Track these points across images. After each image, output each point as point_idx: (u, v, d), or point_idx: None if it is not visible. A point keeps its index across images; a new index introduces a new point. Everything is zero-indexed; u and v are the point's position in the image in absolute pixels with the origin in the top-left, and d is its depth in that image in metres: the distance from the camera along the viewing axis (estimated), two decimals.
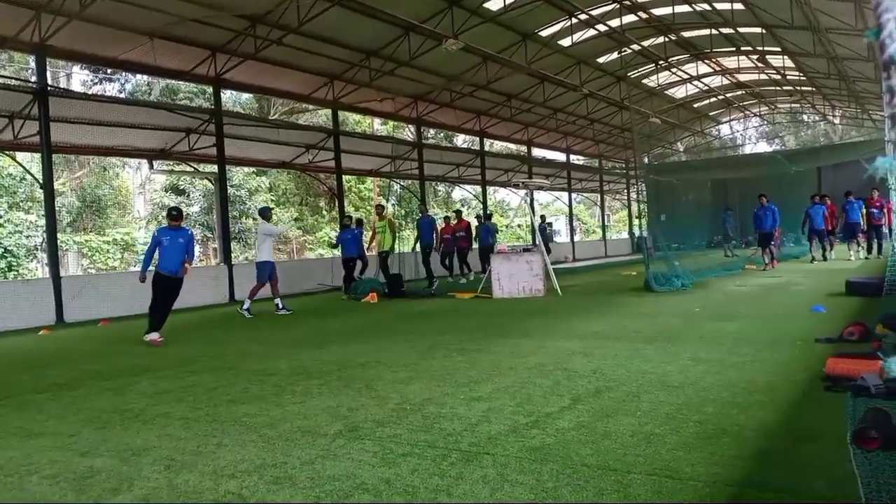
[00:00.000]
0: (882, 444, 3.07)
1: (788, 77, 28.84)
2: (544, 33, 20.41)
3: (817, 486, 2.84)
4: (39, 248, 23.46)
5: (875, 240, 18.00)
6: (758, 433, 3.60)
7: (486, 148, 28.56)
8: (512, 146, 33.89)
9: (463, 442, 3.70)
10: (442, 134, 35.49)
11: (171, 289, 8.95)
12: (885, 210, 17.32)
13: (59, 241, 15.03)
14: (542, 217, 27.26)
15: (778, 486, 2.85)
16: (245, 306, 11.80)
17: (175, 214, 9.07)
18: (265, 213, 12.52)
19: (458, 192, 43.66)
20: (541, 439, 3.66)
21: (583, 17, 19.78)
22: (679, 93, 31.37)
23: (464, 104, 24.08)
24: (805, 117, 42.63)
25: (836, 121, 39.27)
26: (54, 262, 13.14)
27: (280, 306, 11.94)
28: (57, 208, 17.12)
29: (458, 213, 19.42)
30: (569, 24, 19.83)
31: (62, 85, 24.99)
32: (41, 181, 13.14)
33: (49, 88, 13.41)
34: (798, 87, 31.11)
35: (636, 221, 24.24)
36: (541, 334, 7.71)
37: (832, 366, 4.64)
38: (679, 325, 7.81)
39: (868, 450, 3.06)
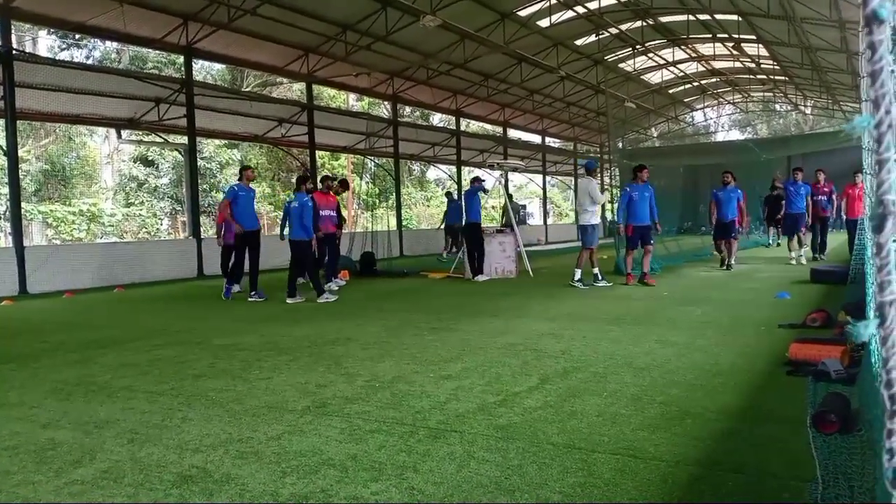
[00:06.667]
0: (840, 428, 3.15)
1: (762, 66, 29.16)
2: (523, 13, 20.30)
3: (776, 466, 2.90)
4: (2, 216, 22.88)
5: (819, 236, 13.93)
6: (720, 415, 3.66)
7: (463, 128, 28.44)
8: (488, 126, 33.79)
9: (431, 419, 3.71)
10: (418, 112, 35.25)
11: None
12: (833, 198, 14.07)
13: (22, 211, 14.67)
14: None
15: (738, 467, 2.91)
16: (576, 277, 10.59)
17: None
18: (591, 168, 11.16)
19: (433, 172, 43.53)
20: (508, 418, 3.69)
21: None
22: (655, 78, 31.52)
23: (441, 82, 23.91)
24: (777, 106, 43.18)
25: (808, 111, 39.87)
26: (17, 232, 12.82)
27: (576, 278, 10.61)
28: (21, 176, 16.67)
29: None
30: (547, 4, 19.76)
31: (28, 50, 24.23)
32: (5, 148, 12.76)
33: (14, 52, 13.00)
34: (771, 76, 31.49)
35: (608, 206, 24.48)
36: (511, 315, 7.75)
37: (795, 351, 4.73)
38: (647, 309, 7.91)
39: (827, 433, 3.14)
